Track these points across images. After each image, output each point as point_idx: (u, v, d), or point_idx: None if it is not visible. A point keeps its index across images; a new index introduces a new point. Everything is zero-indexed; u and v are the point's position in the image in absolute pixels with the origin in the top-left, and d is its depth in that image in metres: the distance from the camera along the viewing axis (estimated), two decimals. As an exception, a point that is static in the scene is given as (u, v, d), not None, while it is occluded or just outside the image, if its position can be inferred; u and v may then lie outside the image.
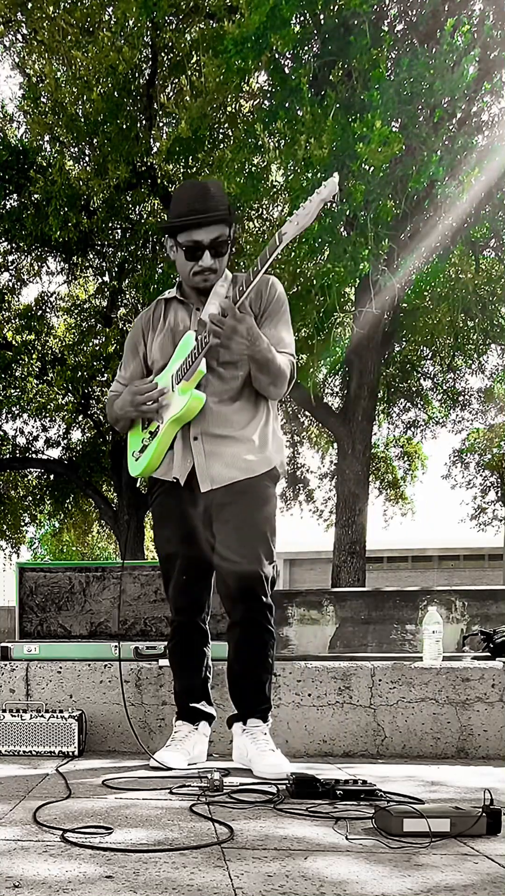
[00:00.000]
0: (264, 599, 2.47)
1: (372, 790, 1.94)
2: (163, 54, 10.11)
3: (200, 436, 2.50)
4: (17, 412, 14.46)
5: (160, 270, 10.98)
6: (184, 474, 2.51)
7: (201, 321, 2.50)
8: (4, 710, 2.82)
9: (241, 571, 2.46)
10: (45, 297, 14.31)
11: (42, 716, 2.78)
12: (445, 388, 15.30)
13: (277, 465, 2.56)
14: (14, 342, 13.49)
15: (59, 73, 9.55)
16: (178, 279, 2.66)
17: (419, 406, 15.98)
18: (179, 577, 2.59)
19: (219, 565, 2.52)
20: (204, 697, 2.66)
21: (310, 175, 7.62)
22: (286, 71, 7.92)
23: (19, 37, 10.80)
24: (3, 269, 13.58)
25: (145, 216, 12.37)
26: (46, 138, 11.19)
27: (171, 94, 10.71)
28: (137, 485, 15.51)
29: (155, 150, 10.38)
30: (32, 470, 16.39)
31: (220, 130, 9.92)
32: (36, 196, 11.16)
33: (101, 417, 15.02)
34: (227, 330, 2.32)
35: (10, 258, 13.50)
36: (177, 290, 2.63)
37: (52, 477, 16.41)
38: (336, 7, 7.48)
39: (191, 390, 2.45)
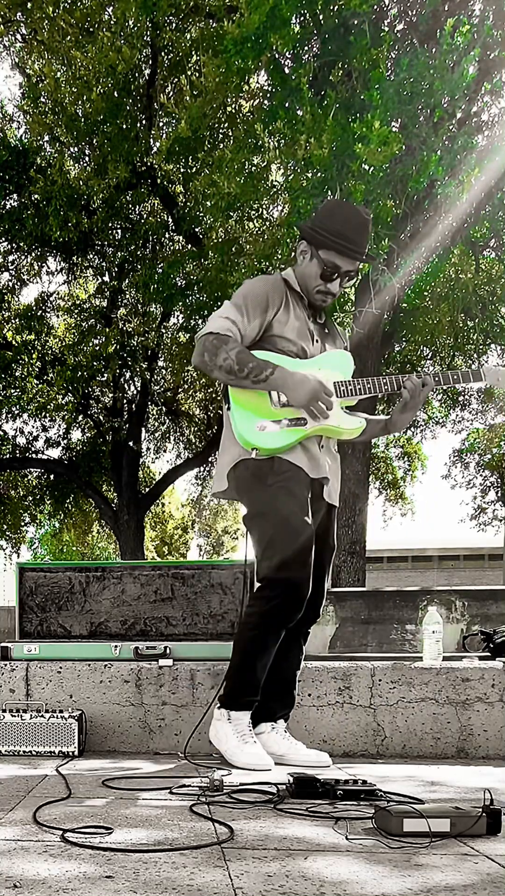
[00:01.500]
0: (319, 615, 2.70)
1: (372, 790, 1.94)
2: (163, 54, 10.11)
3: (324, 446, 2.62)
4: (17, 412, 14.46)
5: (160, 270, 10.98)
6: (321, 474, 2.59)
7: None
8: (4, 710, 2.82)
9: (323, 590, 2.66)
10: (45, 297, 14.31)
11: (42, 716, 2.78)
12: (445, 388, 15.29)
13: None
14: (14, 342, 13.48)
15: (58, 73, 9.55)
16: (290, 274, 2.65)
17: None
18: (304, 543, 2.46)
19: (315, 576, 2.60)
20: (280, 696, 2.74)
21: (310, 175, 7.62)
22: (286, 71, 7.92)
23: (19, 37, 10.80)
24: (3, 269, 13.59)
25: (145, 216, 12.37)
26: (46, 138, 11.20)
27: (171, 94, 10.72)
28: (137, 485, 15.54)
29: (155, 149, 10.39)
30: (32, 470, 16.39)
31: (220, 130, 9.92)
32: (36, 196, 11.16)
33: (101, 417, 15.02)
34: (412, 405, 2.56)
35: (10, 258, 13.50)
36: (304, 289, 2.62)
37: (52, 477, 16.41)
38: (336, 7, 7.47)
39: (360, 418, 2.60)
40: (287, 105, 7.62)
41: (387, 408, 15.76)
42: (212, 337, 2.51)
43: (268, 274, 2.72)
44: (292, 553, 2.44)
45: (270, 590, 2.47)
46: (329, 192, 7.67)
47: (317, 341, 2.62)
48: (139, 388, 14.75)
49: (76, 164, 11.45)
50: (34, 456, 15.58)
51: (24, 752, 2.78)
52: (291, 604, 2.46)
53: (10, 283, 13.88)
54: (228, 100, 9.12)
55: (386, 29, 7.75)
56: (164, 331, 13.99)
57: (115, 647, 3.23)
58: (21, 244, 12.55)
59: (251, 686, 2.55)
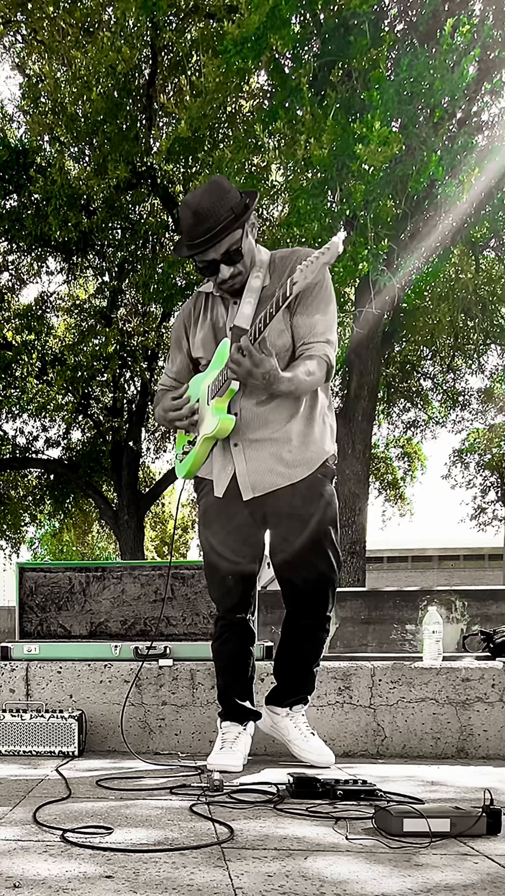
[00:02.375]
0: (330, 602, 2.51)
1: (372, 790, 1.94)
2: (163, 54, 10.12)
3: (241, 442, 2.46)
4: (17, 412, 14.46)
5: (160, 270, 10.98)
6: (224, 484, 2.49)
7: (235, 328, 2.45)
8: (4, 710, 2.82)
9: (306, 576, 2.46)
10: (45, 297, 14.31)
11: (42, 716, 2.78)
12: (445, 388, 15.30)
13: (328, 457, 2.47)
14: (14, 342, 13.49)
15: (58, 73, 9.56)
16: None
17: (419, 406, 15.99)
18: (225, 578, 2.55)
19: (283, 570, 2.50)
20: (249, 697, 2.66)
21: (310, 175, 7.62)
22: (286, 71, 7.92)
23: (19, 37, 10.80)
24: (3, 269, 13.59)
25: (145, 216, 12.37)
26: (46, 138, 11.20)
27: (170, 94, 10.72)
28: (137, 485, 15.54)
29: (155, 150, 10.39)
30: (32, 470, 16.39)
31: (220, 130, 9.92)
32: (36, 196, 11.17)
33: (101, 417, 15.03)
34: (242, 372, 2.27)
35: (10, 258, 13.50)
36: (214, 286, 2.54)
37: (52, 477, 16.42)
38: (336, 7, 7.47)
39: (222, 412, 2.42)
40: (287, 105, 7.63)
41: (387, 407, 15.79)
42: (155, 397, 2.81)
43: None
44: (218, 594, 2.62)
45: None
46: (329, 192, 7.68)
47: (231, 329, 2.47)
48: (139, 388, 14.75)
49: (76, 164, 11.46)
50: (34, 456, 15.58)
51: (24, 752, 2.78)
52: (223, 621, 2.61)
53: (10, 283, 13.88)
54: (228, 100, 9.12)
55: (386, 29, 7.75)
56: (164, 331, 13.99)
57: (115, 647, 3.23)
58: (21, 244, 12.55)
59: (219, 695, 2.68)
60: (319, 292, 2.43)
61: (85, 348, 12.89)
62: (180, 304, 11.18)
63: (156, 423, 16.12)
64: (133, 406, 14.82)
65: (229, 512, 2.50)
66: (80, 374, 12.76)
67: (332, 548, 2.45)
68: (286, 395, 2.38)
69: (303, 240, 7.77)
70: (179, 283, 11.08)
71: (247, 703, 2.63)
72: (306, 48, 8.06)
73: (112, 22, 9.29)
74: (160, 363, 14.68)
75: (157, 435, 16.69)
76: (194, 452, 2.54)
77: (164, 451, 17.16)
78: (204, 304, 2.60)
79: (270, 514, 2.47)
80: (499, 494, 18.90)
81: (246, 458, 2.45)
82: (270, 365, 2.25)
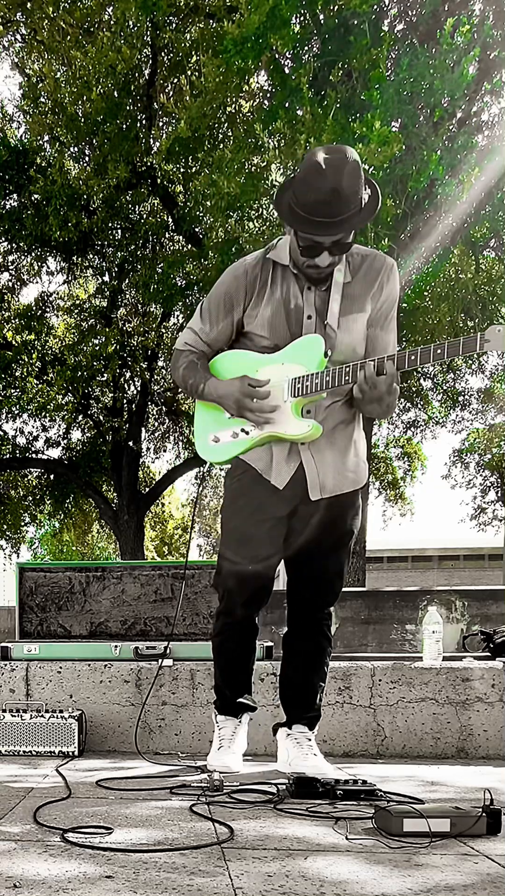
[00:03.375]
0: (332, 610, 2.49)
1: (372, 790, 1.94)
2: (163, 54, 10.12)
3: (306, 440, 2.32)
4: (17, 412, 14.45)
5: (160, 270, 10.98)
6: (286, 478, 2.34)
7: (329, 327, 2.26)
8: (4, 710, 2.82)
9: (325, 584, 2.43)
10: (45, 297, 14.30)
11: (42, 716, 2.78)
12: (445, 388, 15.30)
13: (365, 477, 2.44)
14: (14, 342, 13.48)
15: (58, 73, 9.55)
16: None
17: (419, 406, 15.98)
18: (245, 568, 2.41)
19: (302, 572, 2.45)
20: (248, 691, 2.61)
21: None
22: (286, 71, 7.92)
23: (19, 37, 10.80)
24: (3, 269, 13.59)
25: (145, 216, 12.37)
26: (46, 138, 11.20)
27: (170, 94, 10.72)
28: (137, 485, 15.54)
29: (155, 149, 10.38)
30: (32, 470, 16.38)
31: (220, 130, 9.92)
32: (36, 196, 11.16)
33: (101, 417, 15.02)
34: (373, 395, 2.16)
35: (10, 258, 13.50)
36: (292, 262, 2.30)
37: (52, 477, 16.41)
38: (336, 7, 7.47)
39: (311, 420, 2.27)
40: (287, 105, 7.63)
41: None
42: (174, 353, 2.53)
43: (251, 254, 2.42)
44: (234, 584, 2.46)
45: (218, 597, 2.58)
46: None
47: (310, 317, 2.28)
48: (139, 388, 14.74)
49: (76, 164, 11.45)
50: (34, 456, 15.57)
51: (24, 752, 2.78)
52: (230, 614, 2.51)
53: (10, 283, 13.88)
54: (228, 100, 9.12)
55: (386, 29, 7.75)
56: (164, 331, 13.99)
57: (116, 647, 3.23)
58: (21, 244, 12.55)
59: (216, 689, 2.64)
60: (395, 309, 2.36)
61: (85, 348, 12.89)
62: (181, 303, 11.19)
63: (156, 423, 16.15)
64: (133, 406, 14.81)
65: (270, 502, 2.36)
66: (80, 374, 12.76)
67: (347, 558, 2.47)
68: (381, 413, 2.29)
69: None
70: (179, 283, 11.08)
71: (244, 699, 2.60)
72: (306, 48, 8.06)
73: (112, 22, 9.28)
74: (160, 363, 14.68)
75: (156, 435, 16.69)
76: (250, 442, 2.34)
77: (164, 451, 17.16)
78: (272, 274, 2.32)
79: (321, 516, 2.37)
80: (499, 494, 18.90)
81: (315, 459, 2.33)
82: (395, 396, 2.20)
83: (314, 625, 2.48)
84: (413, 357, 2.11)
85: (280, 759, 2.52)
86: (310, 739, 2.44)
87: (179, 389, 2.70)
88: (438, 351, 2.07)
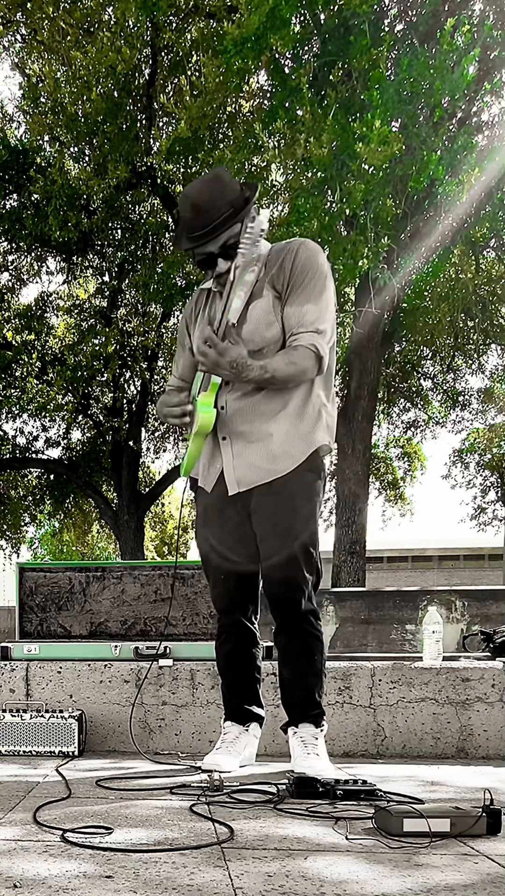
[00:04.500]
0: (303, 605, 2.36)
1: (372, 790, 1.94)
2: (163, 54, 10.11)
3: (229, 436, 2.42)
4: (17, 412, 14.46)
5: (160, 270, 10.97)
6: (211, 480, 2.48)
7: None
8: (4, 710, 2.82)
9: (278, 577, 2.37)
10: (45, 297, 14.30)
11: (42, 716, 2.78)
12: (445, 388, 15.30)
13: (318, 448, 2.37)
14: (14, 342, 13.48)
15: (58, 73, 9.55)
16: None
17: (419, 406, 15.99)
18: (217, 578, 2.54)
19: (263, 565, 2.44)
20: (254, 699, 2.58)
21: (309, 175, 7.62)
22: (286, 71, 7.92)
23: (19, 37, 10.80)
24: (3, 269, 13.58)
25: (145, 216, 12.37)
26: (46, 138, 11.20)
27: (171, 94, 10.72)
28: (137, 485, 15.54)
29: (155, 150, 10.38)
30: (32, 470, 16.39)
31: (220, 130, 9.92)
32: (36, 196, 11.17)
33: (101, 417, 15.03)
34: (209, 363, 2.28)
35: (10, 258, 13.50)
36: (213, 281, 2.51)
37: (52, 477, 16.41)
38: (336, 7, 7.47)
39: (207, 406, 2.39)
40: (287, 105, 7.63)
41: (387, 407, 15.78)
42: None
43: None
44: (214, 594, 2.61)
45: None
46: (329, 192, 7.68)
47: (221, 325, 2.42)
48: (139, 388, 14.75)
49: (76, 164, 11.45)
50: (34, 456, 15.58)
51: (24, 752, 2.78)
52: (223, 623, 2.60)
53: (10, 283, 13.87)
54: (228, 100, 9.12)
55: (386, 29, 7.76)
56: (164, 331, 13.99)
57: (115, 647, 3.23)
58: (21, 244, 12.55)
59: (223, 695, 2.65)
60: (311, 281, 2.34)
61: (85, 348, 12.89)
62: (181, 303, 11.19)
63: (156, 423, 16.17)
64: (133, 406, 14.82)
65: (224, 511, 2.46)
66: (80, 374, 12.76)
67: (301, 546, 2.34)
68: (268, 386, 2.33)
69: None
70: (179, 283, 11.08)
71: (251, 706, 2.56)
72: (306, 48, 8.06)
73: (112, 22, 9.28)
74: (160, 363, 14.69)
75: (156, 435, 16.69)
76: (189, 450, 2.52)
77: (164, 451, 17.17)
78: (204, 300, 2.56)
79: (253, 510, 2.40)
80: (499, 494, 18.90)
81: (233, 453, 2.41)
82: (235, 353, 2.25)
83: (294, 624, 2.39)
84: (229, 315, 2.31)
85: (293, 761, 2.45)
86: (316, 738, 2.38)
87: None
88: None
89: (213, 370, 2.31)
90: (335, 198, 7.58)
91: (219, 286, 2.48)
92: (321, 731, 2.40)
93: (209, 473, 2.49)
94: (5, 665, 3.07)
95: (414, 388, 15.50)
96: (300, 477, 2.35)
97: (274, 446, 2.36)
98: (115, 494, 15.63)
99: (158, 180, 11.13)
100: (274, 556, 2.36)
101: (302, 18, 7.63)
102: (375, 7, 7.44)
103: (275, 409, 2.37)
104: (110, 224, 11.91)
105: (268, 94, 9.28)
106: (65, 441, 15.73)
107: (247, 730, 2.54)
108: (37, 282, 14.27)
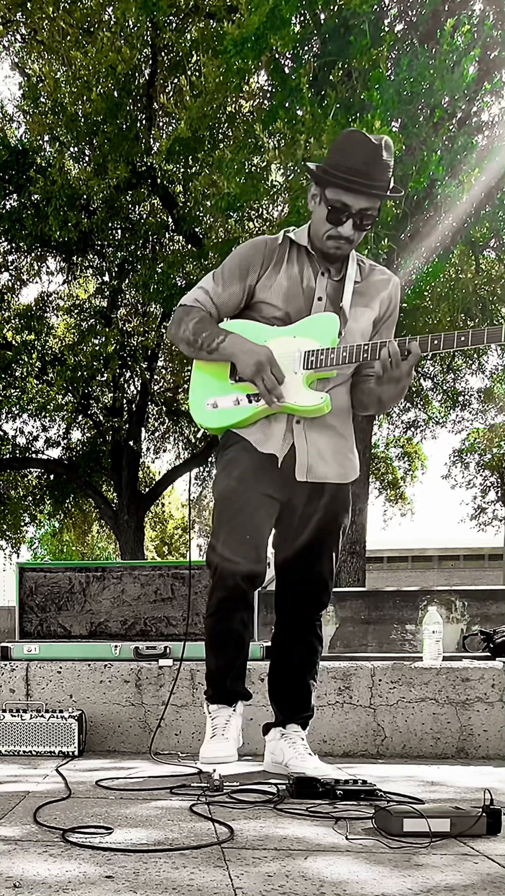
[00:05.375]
0: (324, 604, 2.44)
1: (372, 790, 1.94)
2: (163, 54, 10.12)
3: (303, 420, 2.31)
4: (17, 412, 14.46)
5: (160, 270, 10.98)
6: (283, 453, 2.32)
7: (342, 310, 2.30)
8: (4, 710, 2.82)
9: (312, 577, 2.38)
10: (45, 297, 14.30)
11: (42, 716, 2.78)
12: (445, 388, 15.30)
13: (356, 472, 2.42)
14: (14, 342, 13.48)
15: (58, 73, 9.55)
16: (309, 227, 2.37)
17: (419, 406, 15.98)
18: (242, 538, 2.31)
19: (294, 572, 2.41)
20: (242, 677, 2.51)
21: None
22: (286, 71, 7.92)
23: (19, 37, 10.80)
24: (3, 269, 13.58)
25: (145, 216, 12.37)
26: (46, 138, 11.20)
27: (171, 94, 10.72)
28: (137, 485, 15.54)
29: (155, 150, 10.39)
30: (32, 470, 16.39)
31: (220, 130, 9.92)
32: (36, 196, 11.17)
33: (101, 417, 15.03)
34: (391, 375, 2.22)
35: (10, 258, 13.50)
36: (307, 240, 2.35)
37: (52, 477, 16.41)
38: (336, 7, 7.48)
39: (323, 394, 2.27)
40: (287, 105, 7.63)
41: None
42: (180, 309, 2.47)
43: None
44: (230, 534, 2.33)
45: (210, 574, 2.43)
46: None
47: (320, 299, 2.31)
48: (139, 388, 14.75)
49: (76, 164, 11.45)
50: (34, 456, 15.58)
51: (24, 752, 2.78)
52: (225, 588, 2.36)
53: (10, 283, 13.88)
54: (228, 100, 9.12)
55: (386, 29, 7.75)
56: (163, 331, 13.99)
57: (115, 647, 3.23)
58: (21, 244, 12.55)
59: (209, 676, 2.50)
60: (395, 321, 2.47)
61: (85, 348, 12.89)
62: (180, 304, 11.18)
63: (156, 423, 16.14)
64: (133, 406, 14.82)
65: (264, 477, 2.32)
66: (80, 374, 12.76)
67: (337, 552, 2.42)
68: (393, 397, 2.33)
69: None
70: (179, 283, 11.08)
71: (237, 685, 2.48)
72: (306, 48, 8.06)
73: (112, 22, 9.29)
74: (160, 363, 14.68)
75: (156, 435, 16.69)
76: (256, 411, 2.31)
77: (164, 451, 17.16)
78: (289, 252, 2.36)
79: (306, 500, 2.33)
80: (499, 494, 18.90)
81: (307, 440, 2.32)
82: (409, 378, 2.27)
83: (308, 625, 2.44)
84: (436, 341, 2.16)
85: (268, 759, 2.45)
86: (303, 739, 2.41)
87: (177, 349, 2.44)
88: (463, 338, 2.11)
89: (385, 381, 2.25)
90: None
91: (315, 248, 2.32)
92: (305, 733, 2.44)
93: (280, 445, 2.32)
94: (5, 665, 3.07)
95: (414, 388, 15.49)
96: (349, 489, 2.42)
97: (347, 452, 2.39)
98: (115, 494, 15.63)
99: (158, 180, 11.13)
100: (318, 555, 2.37)
101: (302, 18, 7.64)
102: (375, 7, 7.44)
103: (345, 414, 2.41)
104: (110, 224, 11.91)
105: (268, 94, 9.28)
106: (65, 441, 15.74)
107: (234, 710, 2.47)
108: (37, 282, 14.28)
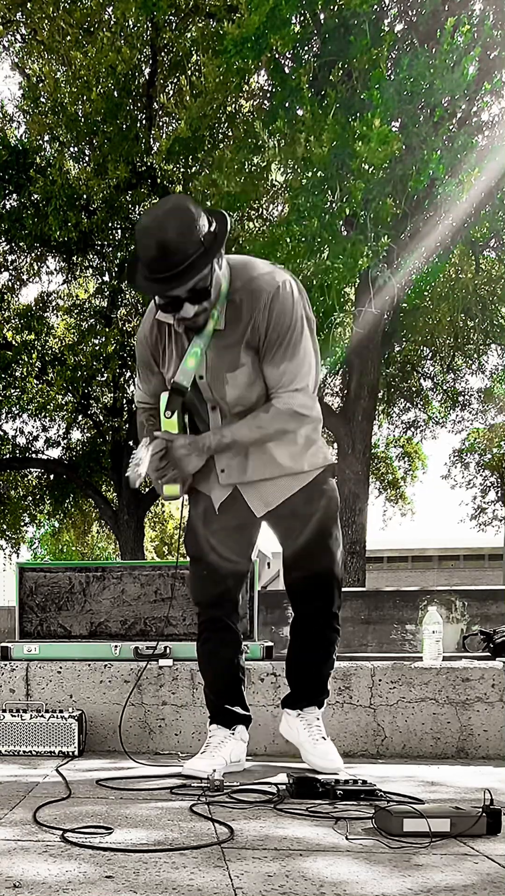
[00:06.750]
0: (335, 598, 2.45)
1: (372, 790, 1.94)
2: (163, 54, 10.12)
3: (227, 469, 2.37)
4: (17, 412, 14.46)
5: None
6: (220, 499, 2.42)
7: (175, 385, 2.30)
8: (4, 710, 2.82)
9: (316, 571, 2.41)
10: (45, 297, 14.30)
11: (42, 716, 2.78)
12: (445, 388, 15.31)
13: (323, 460, 2.41)
14: (14, 342, 13.49)
15: (58, 73, 9.56)
16: None
17: (419, 406, 15.99)
18: (215, 577, 2.46)
19: (288, 566, 2.45)
20: (238, 700, 2.54)
21: (309, 174, 7.62)
22: (286, 71, 7.93)
23: (19, 37, 10.81)
24: (3, 269, 13.59)
25: (145, 216, 12.37)
26: (46, 138, 11.21)
27: (171, 94, 10.72)
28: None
29: (155, 150, 10.39)
30: (32, 470, 16.39)
31: (220, 130, 9.93)
32: (36, 196, 11.17)
33: (101, 417, 15.03)
34: (169, 465, 2.28)
35: (10, 258, 13.50)
36: (175, 320, 2.25)
37: (52, 477, 16.41)
38: (336, 7, 7.48)
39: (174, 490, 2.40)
40: (287, 105, 7.64)
41: (387, 407, 15.78)
42: (137, 411, 2.64)
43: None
44: (196, 587, 2.56)
45: None
46: (329, 191, 7.68)
47: (202, 378, 2.33)
48: (139, 388, 14.75)
49: (76, 164, 11.46)
50: (34, 456, 15.58)
51: (24, 752, 2.78)
52: (202, 614, 2.54)
53: (10, 283, 13.88)
54: (228, 100, 9.12)
55: (386, 29, 7.75)
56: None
57: (115, 647, 3.23)
58: (21, 244, 12.55)
59: (205, 696, 2.61)
60: (285, 336, 2.21)
61: (85, 348, 12.90)
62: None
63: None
64: (133, 406, 14.81)
65: (228, 510, 2.43)
66: (80, 374, 12.77)
67: (334, 543, 2.41)
68: (240, 449, 2.32)
69: (303, 239, 7.76)
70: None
71: (235, 708, 2.51)
72: (306, 48, 8.07)
73: (112, 22, 9.29)
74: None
75: (156, 435, 16.68)
76: (172, 481, 2.39)
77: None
78: (167, 333, 2.34)
79: (272, 515, 2.41)
80: (499, 494, 18.90)
81: (243, 491, 2.40)
82: (179, 444, 2.25)
83: (320, 615, 2.45)
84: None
85: (284, 725, 2.53)
86: (318, 719, 2.47)
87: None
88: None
89: (173, 466, 2.29)
90: (335, 197, 7.58)
91: (180, 326, 2.24)
92: (322, 711, 2.50)
93: (218, 495, 2.42)
94: (5, 665, 3.07)
95: (414, 388, 15.50)
96: (317, 480, 2.40)
97: (282, 469, 2.37)
98: (115, 494, 15.63)
99: (158, 180, 11.14)
100: (314, 550, 2.40)
101: (302, 18, 7.64)
102: (375, 7, 7.45)
103: (266, 460, 2.36)
104: (110, 224, 11.92)
105: (268, 94, 9.29)
106: (65, 441, 15.74)
107: (233, 734, 2.48)
108: (37, 282, 14.29)
